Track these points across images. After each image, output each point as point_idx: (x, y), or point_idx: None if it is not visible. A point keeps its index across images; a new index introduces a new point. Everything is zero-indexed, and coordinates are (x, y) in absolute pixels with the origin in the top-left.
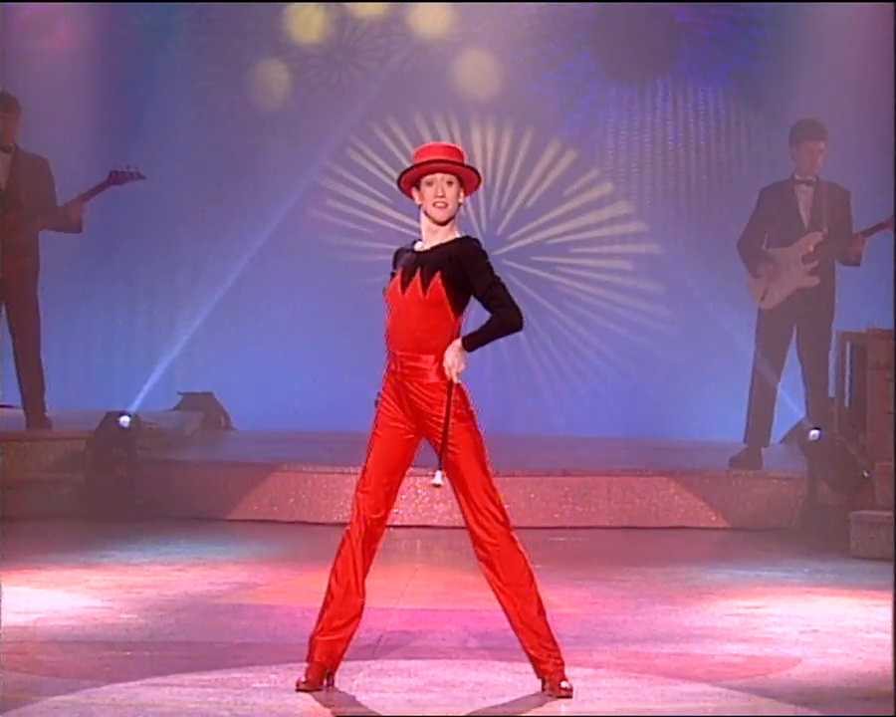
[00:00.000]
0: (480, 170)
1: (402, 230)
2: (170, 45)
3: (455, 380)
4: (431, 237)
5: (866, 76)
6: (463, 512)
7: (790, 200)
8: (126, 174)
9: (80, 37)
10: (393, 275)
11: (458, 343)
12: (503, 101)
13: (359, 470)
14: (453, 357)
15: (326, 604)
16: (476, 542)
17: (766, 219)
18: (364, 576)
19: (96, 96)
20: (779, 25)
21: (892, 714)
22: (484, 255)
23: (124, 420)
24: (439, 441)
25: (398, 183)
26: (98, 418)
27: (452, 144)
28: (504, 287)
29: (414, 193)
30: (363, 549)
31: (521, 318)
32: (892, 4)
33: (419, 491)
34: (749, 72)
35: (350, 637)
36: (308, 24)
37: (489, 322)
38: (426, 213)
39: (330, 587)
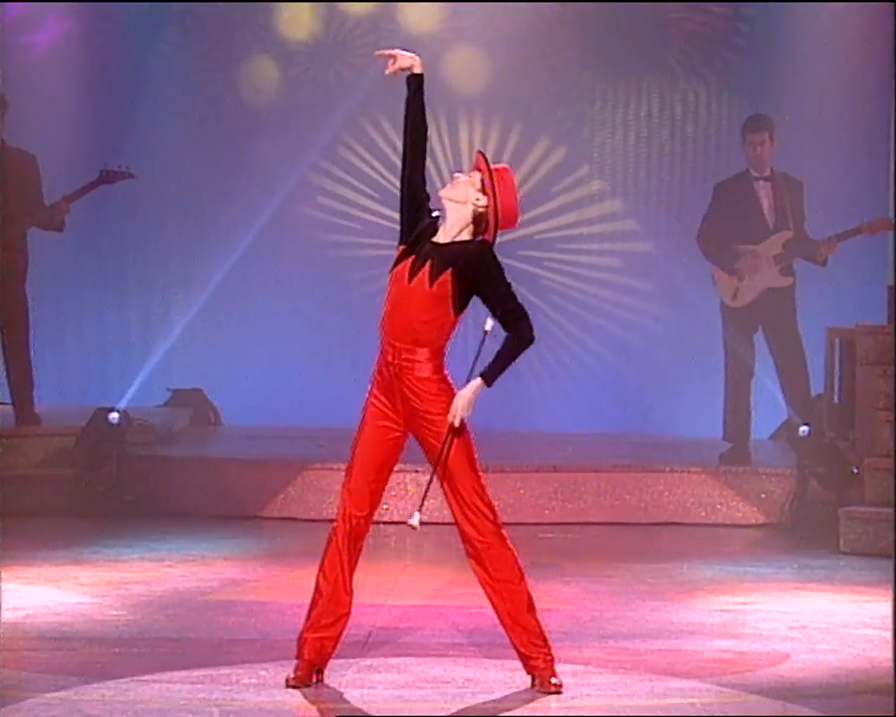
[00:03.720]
0: (468, 167)
1: (392, 226)
2: (159, 42)
3: (456, 424)
4: (447, 230)
5: (857, 73)
6: (452, 510)
7: (750, 197)
8: (117, 173)
9: (68, 33)
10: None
11: (477, 383)
12: (491, 97)
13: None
14: (463, 404)
15: (314, 602)
16: (465, 539)
17: (724, 214)
18: (352, 573)
19: (84, 92)
20: (769, 22)
21: (884, 712)
22: (500, 266)
23: (114, 417)
24: (428, 439)
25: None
26: (87, 415)
27: (502, 167)
28: (517, 299)
29: (492, 210)
30: (350, 546)
31: (533, 332)
32: (887, 3)
33: (408, 487)
34: (739, 69)
35: (339, 635)
36: (297, 21)
37: (505, 347)
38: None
39: (317, 584)
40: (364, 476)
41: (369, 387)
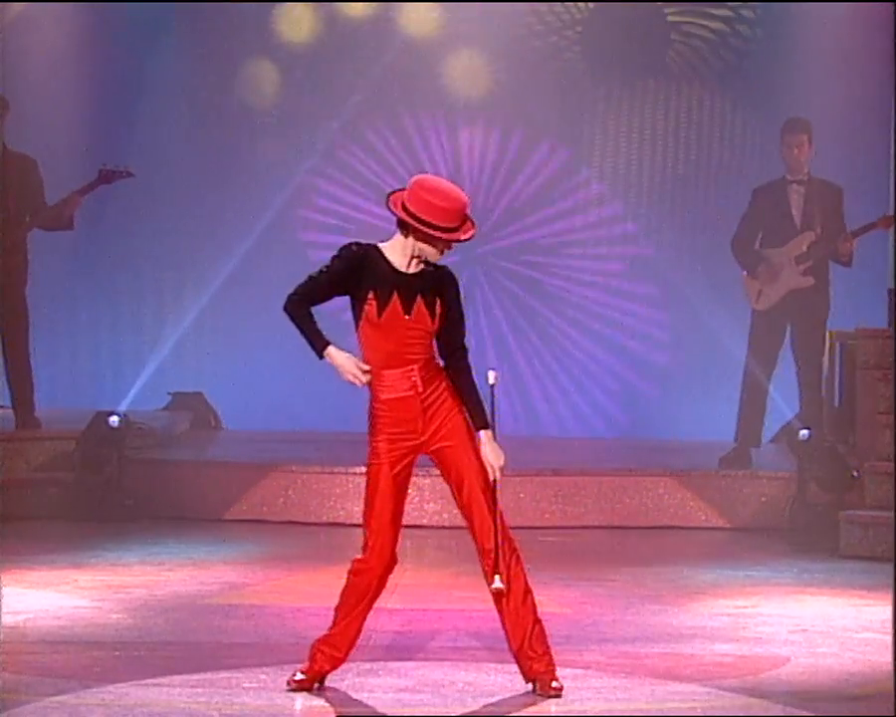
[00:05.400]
0: (469, 169)
1: (390, 228)
2: (160, 44)
3: (498, 477)
4: (413, 261)
5: (857, 74)
6: (472, 524)
7: (783, 200)
8: (116, 173)
9: (69, 35)
10: (341, 257)
11: (489, 434)
12: (492, 100)
13: (349, 470)
14: (495, 457)
15: (334, 624)
16: (483, 553)
17: (758, 219)
18: (365, 619)
19: (85, 94)
20: (770, 24)
21: (885, 715)
22: (460, 296)
23: (114, 420)
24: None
25: (404, 210)
26: (87, 418)
27: (464, 200)
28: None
29: (408, 221)
30: (370, 597)
31: None
32: (885, 3)
33: (409, 491)
34: (740, 71)
35: (347, 657)
36: (298, 23)
37: (474, 389)
38: (423, 250)
39: (336, 614)
40: (389, 532)
41: (371, 442)
